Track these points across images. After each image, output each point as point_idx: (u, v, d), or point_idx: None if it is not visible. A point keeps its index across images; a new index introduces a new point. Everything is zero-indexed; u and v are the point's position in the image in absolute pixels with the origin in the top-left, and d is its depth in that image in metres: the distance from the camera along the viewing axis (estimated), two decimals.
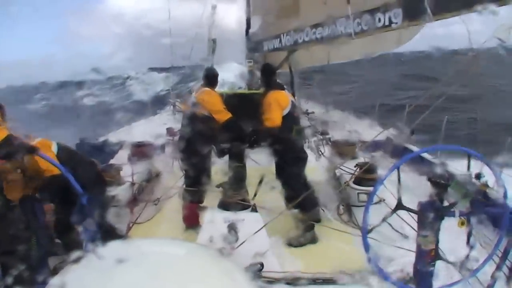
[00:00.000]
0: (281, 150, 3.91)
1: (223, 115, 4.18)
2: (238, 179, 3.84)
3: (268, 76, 4.18)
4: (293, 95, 7.29)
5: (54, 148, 2.95)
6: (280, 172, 4.00)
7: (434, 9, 3.48)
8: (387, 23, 4.13)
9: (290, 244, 3.87)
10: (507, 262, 2.35)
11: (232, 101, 4.92)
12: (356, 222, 4.19)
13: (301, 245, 3.89)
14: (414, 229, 2.21)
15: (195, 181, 4.20)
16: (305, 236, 3.92)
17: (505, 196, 2.13)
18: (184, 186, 4.36)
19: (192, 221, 4.19)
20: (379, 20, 4.23)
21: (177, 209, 4.45)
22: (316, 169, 5.27)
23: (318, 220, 4.09)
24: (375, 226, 2.09)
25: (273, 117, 3.79)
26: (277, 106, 3.85)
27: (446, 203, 2.08)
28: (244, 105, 4.85)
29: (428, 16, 3.50)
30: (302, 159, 4.08)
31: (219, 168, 4.63)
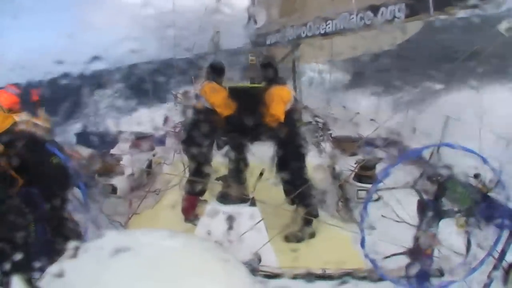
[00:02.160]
0: (283, 145, 3.90)
1: (225, 110, 4.16)
2: (237, 172, 3.85)
3: (270, 71, 4.13)
4: (295, 89, 7.28)
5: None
6: (282, 166, 3.99)
7: (435, 4, 3.49)
8: (390, 18, 4.15)
9: (288, 239, 3.88)
10: (504, 262, 2.35)
11: (235, 94, 4.91)
12: (354, 218, 4.20)
13: (299, 240, 3.89)
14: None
15: (196, 173, 4.20)
16: (303, 231, 3.92)
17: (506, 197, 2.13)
18: (186, 178, 4.37)
19: (190, 213, 4.19)
20: (382, 14, 4.24)
21: (176, 201, 4.46)
22: (315, 164, 5.27)
23: (316, 216, 4.10)
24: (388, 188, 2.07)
25: (276, 113, 3.76)
26: (280, 101, 3.82)
27: (444, 202, 2.08)
28: (246, 99, 4.83)
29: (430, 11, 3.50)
30: (303, 153, 4.08)
31: (219, 161, 4.63)
